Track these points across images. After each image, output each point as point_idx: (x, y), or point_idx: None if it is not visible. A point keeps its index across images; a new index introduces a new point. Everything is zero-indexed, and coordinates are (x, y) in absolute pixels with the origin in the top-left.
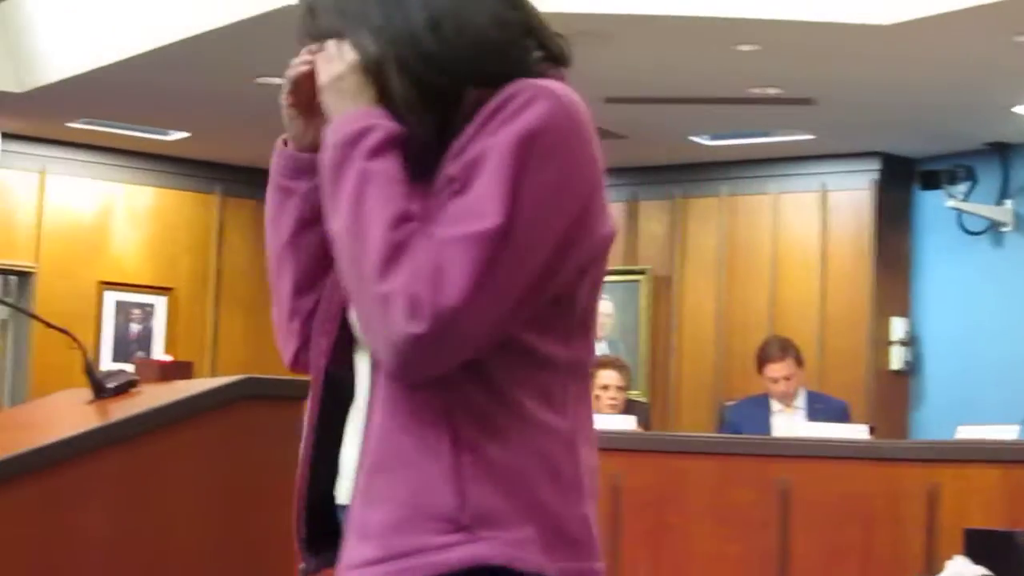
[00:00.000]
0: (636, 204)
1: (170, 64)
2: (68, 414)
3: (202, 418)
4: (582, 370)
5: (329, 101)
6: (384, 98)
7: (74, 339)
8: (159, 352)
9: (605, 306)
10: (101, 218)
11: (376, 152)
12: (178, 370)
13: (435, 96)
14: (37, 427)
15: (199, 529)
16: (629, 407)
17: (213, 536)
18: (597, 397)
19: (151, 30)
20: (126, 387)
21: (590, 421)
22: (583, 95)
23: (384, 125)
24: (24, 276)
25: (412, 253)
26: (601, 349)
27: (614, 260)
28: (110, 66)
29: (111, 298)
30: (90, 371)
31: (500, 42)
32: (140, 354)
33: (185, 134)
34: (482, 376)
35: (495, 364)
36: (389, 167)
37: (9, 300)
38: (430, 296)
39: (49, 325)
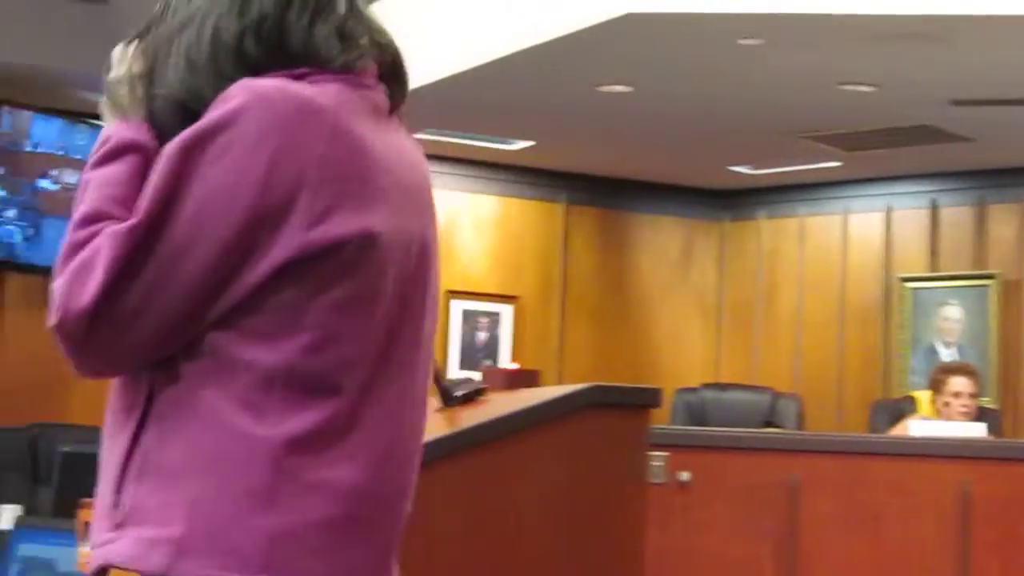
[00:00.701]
0: (984, 208)
1: (514, 74)
2: None
3: (548, 426)
4: (300, 377)
5: (102, 110)
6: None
7: None
8: (506, 360)
9: (953, 311)
10: (447, 227)
11: (100, 161)
12: (525, 378)
13: (182, 108)
14: None
15: (546, 536)
16: (980, 414)
17: (560, 543)
18: (947, 404)
19: (494, 41)
20: (474, 395)
21: (329, 432)
22: (925, 96)
23: (117, 135)
24: None
25: (81, 251)
26: (950, 355)
27: (961, 264)
28: (455, 77)
29: (458, 307)
30: (439, 379)
31: (228, 45)
32: (487, 362)
33: (529, 143)
34: (169, 376)
35: (186, 365)
36: (108, 172)
37: None
38: (69, 290)
39: None
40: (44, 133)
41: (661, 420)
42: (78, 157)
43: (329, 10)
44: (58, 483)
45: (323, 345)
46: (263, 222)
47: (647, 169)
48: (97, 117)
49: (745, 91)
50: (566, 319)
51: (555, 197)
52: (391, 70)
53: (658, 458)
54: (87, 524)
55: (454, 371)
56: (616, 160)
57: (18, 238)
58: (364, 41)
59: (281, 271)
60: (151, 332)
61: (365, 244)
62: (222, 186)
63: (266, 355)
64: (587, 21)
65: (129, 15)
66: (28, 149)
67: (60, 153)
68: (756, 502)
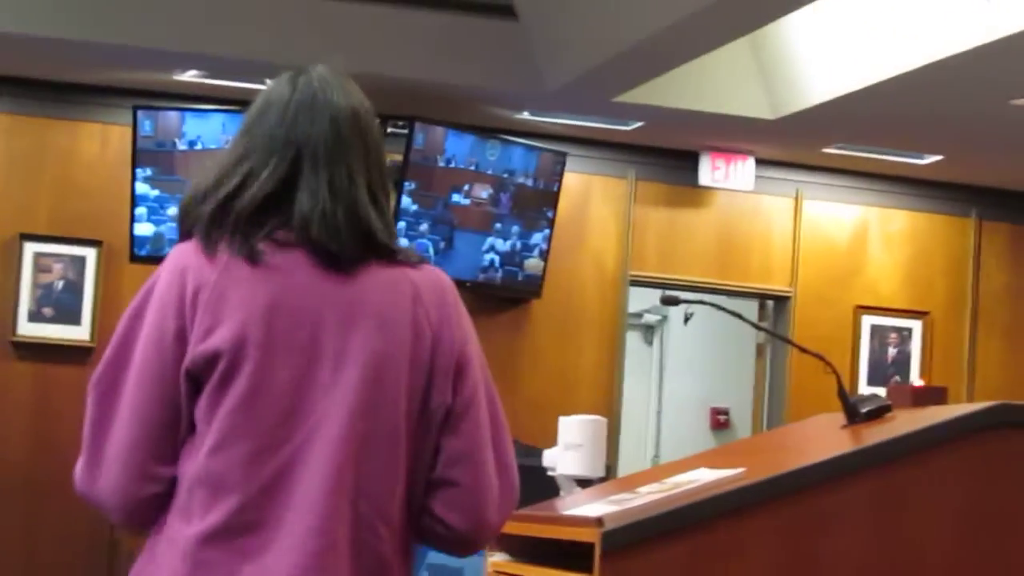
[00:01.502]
0: None
1: (922, 87)
2: (822, 438)
3: (954, 444)
4: (214, 482)
5: None
6: None
7: (827, 364)
8: (915, 377)
9: None
10: (856, 242)
11: None
12: (931, 395)
13: None
14: (793, 450)
15: (951, 557)
16: None
17: (966, 565)
18: None
19: (902, 54)
20: (879, 412)
21: (236, 526)
22: None
23: None
24: (781, 301)
25: None
26: None
27: None
28: (863, 90)
29: (867, 322)
30: (843, 396)
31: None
32: (896, 379)
33: (939, 157)
34: (160, 508)
35: (162, 497)
36: None
37: (765, 325)
38: None
39: (803, 350)
40: (456, 148)
41: None
42: (489, 172)
43: None
44: None
45: (229, 446)
46: (149, 363)
47: None
48: (509, 132)
49: None
50: (977, 336)
51: (965, 212)
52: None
53: None
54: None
55: (862, 387)
56: None
57: (431, 251)
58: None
59: (181, 397)
60: (108, 468)
61: (200, 362)
62: (123, 336)
63: (187, 466)
64: (999, 33)
65: (539, 31)
66: (441, 164)
67: (471, 169)
68: None
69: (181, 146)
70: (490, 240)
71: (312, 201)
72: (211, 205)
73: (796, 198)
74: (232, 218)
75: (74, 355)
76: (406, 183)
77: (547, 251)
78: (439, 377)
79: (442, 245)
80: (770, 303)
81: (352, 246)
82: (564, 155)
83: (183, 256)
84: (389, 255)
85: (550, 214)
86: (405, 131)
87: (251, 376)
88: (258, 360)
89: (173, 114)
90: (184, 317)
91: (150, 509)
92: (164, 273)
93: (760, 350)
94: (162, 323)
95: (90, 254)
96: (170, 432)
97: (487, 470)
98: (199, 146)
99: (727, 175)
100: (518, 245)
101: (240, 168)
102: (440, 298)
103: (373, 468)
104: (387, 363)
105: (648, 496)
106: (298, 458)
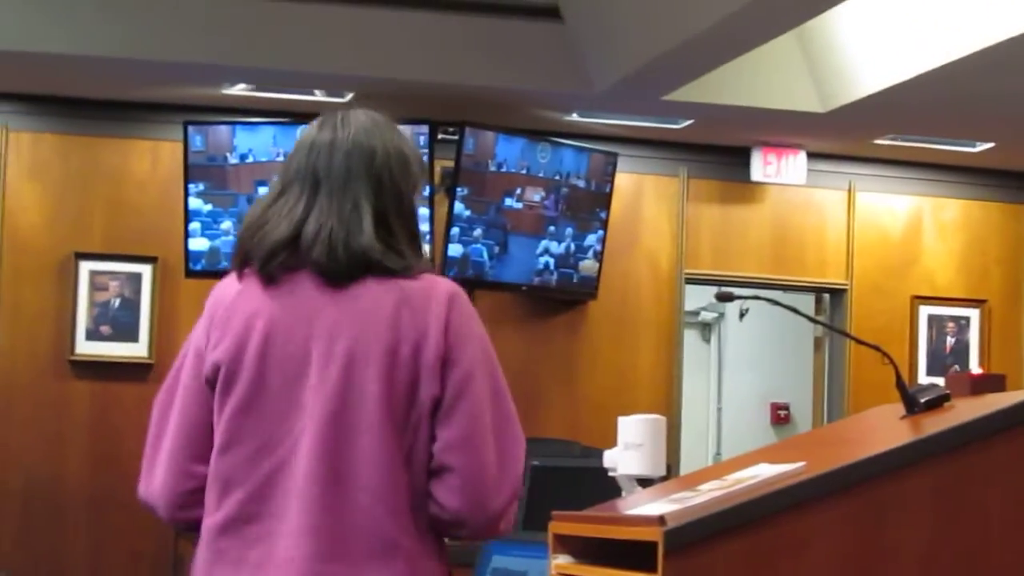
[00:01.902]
0: None
1: (971, 74)
2: (881, 429)
3: (1015, 432)
4: (224, 479)
5: None
6: None
7: (884, 355)
8: (974, 366)
9: None
10: (910, 233)
11: None
12: (990, 383)
13: None
14: (853, 442)
15: (1013, 546)
16: None
17: None
18: None
19: (949, 41)
20: (938, 402)
21: (241, 519)
22: None
23: None
24: (838, 294)
25: None
26: None
27: None
28: (912, 80)
29: (924, 312)
30: (901, 386)
31: (235, 245)
32: (955, 368)
33: (990, 144)
34: (198, 504)
35: (198, 493)
36: None
37: (822, 319)
38: None
39: (860, 342)
40: (507, 152)
41: None
42: (540, 175)
43: None
44: (528, 496)
45: (236, 450)
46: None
47: None
48: (559, 135)
49: None
50: None
51: (1019, 198)
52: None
53: None
54: (558, 536)
55: (921, 377)
56: None
57: (485, 256)
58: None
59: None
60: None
61: (209, 375)
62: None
63: (212, 467)
64: None
65: (585, 31)
66: (492, 169)
67: (523, 172)
68: None
69: (232, 160)
70: (544, 243)
71: (316, 227)
72: (251, 238)
73: (849, 190)
74: (264, 247)
75: (133, 372)
76: (458, 189)
77: (601, 252)
78: (425, 372)
79: (496, 250)
80: (826, 296)
81: (347, 265)
82: (615, 155)
83: (220, 286)
84: (385, 271)
85: (603, 215)
86: (455, 137)
87: (249, 383)
88: (254, 368)
89: (223, 128)
90: (207, 335)
91: (189, 504)
92: (208, 301)
93: (818, 344)
94: (196, 344)
95: (145, 271)
96: (206, 435)
97: (483, 457)
98: (250, 159)
99: (779, 170)
100: (572, 247)
101: (276, 204)
102: (427, 303)
103: (363, 456)
104: (365, 362)
105: (709, 493)
106: (293, 452)
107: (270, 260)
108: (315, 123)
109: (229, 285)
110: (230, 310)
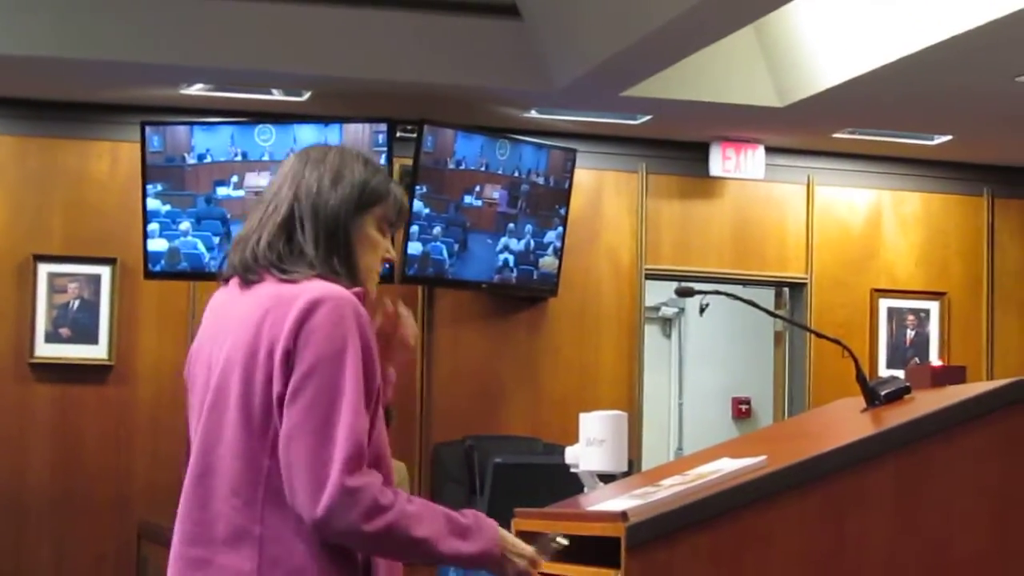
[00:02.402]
0: None
1: (929, 67)
2: (843, 422)
3: (976, 423)
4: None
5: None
6: None
7: (845, 348)
8: (934, 358)
9: None
10: (869, 226)
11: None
12: (951, 375)
13: None
14: (814, 436)
15: (975, 537)
16: None
17: (990, 544)
18: None
19: (907, 35)
20: (899, 394)
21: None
22: None
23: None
24: (797, 288)
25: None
26: None
27: None
28: (870, 73)
29: (884, 305)
30: (862, 380)
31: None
32: (915, 361)
33: (948, 137)
34: None
35: None
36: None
37: (782, 313)
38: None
39: (820, 335)
40: (466, 150)
41: None
42: (500, 172)
43: None
44: (491, 493)
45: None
46: None
47: None
48: (518, 132)
49: None
50: (994, 314)
51: (978, 191)
52: None
53: None
54: (521, 533)
55: (882, 370)
56: None
57: (445, 254)
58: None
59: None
60: None
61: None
62: None
63: None
64: (1004, 9)
65: (543, 29)
66: (451, 167)
67: (482, 169)
68: None
69: (191, 160)
70: (504, 240)
71: (238, 238)
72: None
73: (808, 184)
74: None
75: (92, 374)
76: (417, 187)
77: (561, 249)
78: (276, 371)
79: (456, 247)
80: (786, 290)
81: (242, 271)
82: (574, 152)
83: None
84: (276, 278)
85: (563, 211)
86: (414, 135)
87: (190, 383)
88: (191, 370)
89: (181, 128)
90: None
91: None
92: None
93: (779, 338)
94: None
95: (105, 272)
96: None
97: (294, 457)
98: (208, 159)
99: (738, 164)
100: (532, 244)
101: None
102: (288, 308)
103: (224, 451)
104: (231, 363)
105: (672, 488)
106: (193, 450)
107: (222, 268)
108: (297, 154)
109: (216, 294)
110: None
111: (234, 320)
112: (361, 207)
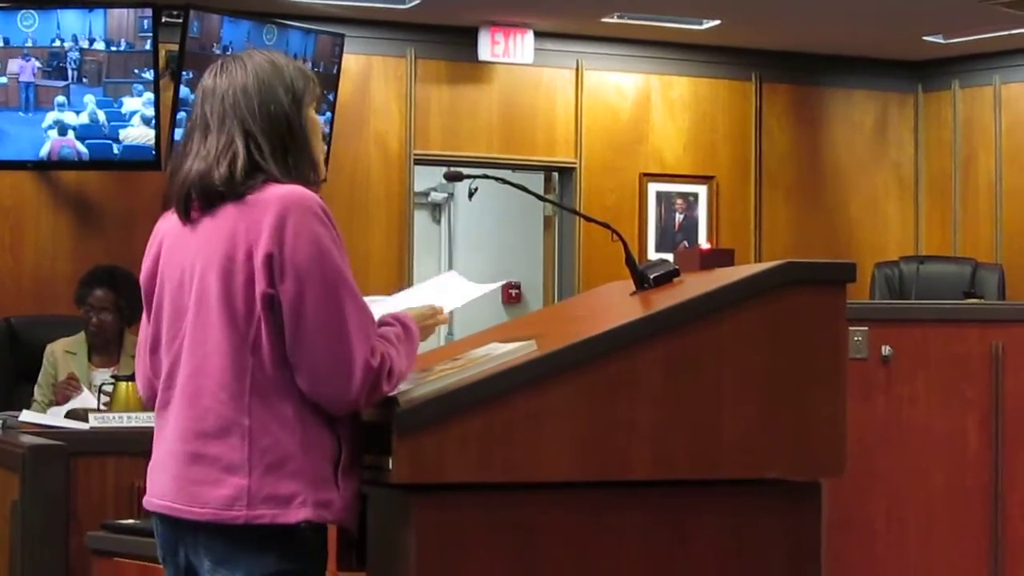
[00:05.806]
0: None
1: None
2: (613, 306)
3: (745, 305)
4: (157, 371)
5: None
6: None
7: (614, 232)
8: (703, 241)
9: None
10: (638, 111)
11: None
12: (719, 258)
13: None
14: (584, 319)
15: (748, 415)
16: None
17: (758, 422)
18: None
19: None
20: (668, 277)
21: (161, 410)
22: None
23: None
24: (567, 172)
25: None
26: None
27: None
28: None
29: (653, 189)
30: (631, 263)
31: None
32: (684, 244)
33: (717, 22)
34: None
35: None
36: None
37: (551, 197)
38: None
39: (589, 219)
40: (233, 35)
41: (861, 295)
42: None
43: None
44: None
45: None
46: None
47: (839, 42)
48: (285, 17)
49: None
50: (762, 198)
51: (746, 76)
52: None
53: (859, 333)
54: None
55: (651, 254)
56: (806, 35)
57: None
58: None
59: None
60: None
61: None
62: None
63: None
64: None
65: None
66: (218, 52)
67: None
68: (959, 374)
69: None
70: None
71: (187, 168)
72: (169, 182)
73: (577, 69)
74: (171, 190)
75: None
76: (184, 73)
77: (330, 135)
78: (258, 272)
79: None
80: (556, 175)
81: (204, 198)
82: (342, 37)
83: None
84: (237, 196)
85: (331, 97)
86: (180, 20)
87: (158, 296)
88: (160, 285)
89: None
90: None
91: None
92: None
93: (548, 223)
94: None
95: None
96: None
97: (315, 356)
98: None
99: (507, 49)
100: None
101: (184, 149)
102: (263, 213)
103: (211, 349)
104: (207, 271)
105: (441, 373)
106: (180, 349)
107: (176, 200)
108: (207, 72)
109: (161, 220)
110: (152, 239)
111: (200, 237)
112: (299, 101)
